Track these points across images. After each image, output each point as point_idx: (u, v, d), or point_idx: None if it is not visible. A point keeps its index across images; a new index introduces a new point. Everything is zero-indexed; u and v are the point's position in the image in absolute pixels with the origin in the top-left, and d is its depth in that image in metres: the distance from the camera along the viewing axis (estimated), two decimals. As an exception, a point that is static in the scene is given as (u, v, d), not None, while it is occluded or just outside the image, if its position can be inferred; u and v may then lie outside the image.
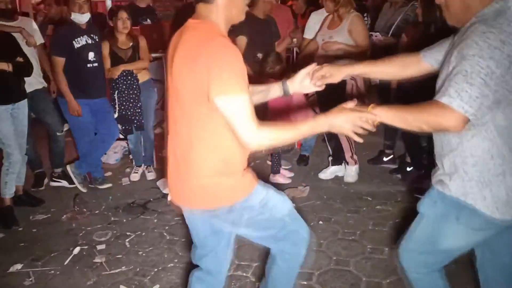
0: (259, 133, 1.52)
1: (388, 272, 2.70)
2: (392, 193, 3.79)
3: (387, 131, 4.54)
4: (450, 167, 1.65)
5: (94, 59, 3.74)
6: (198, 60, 1.51)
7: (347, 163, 4.07)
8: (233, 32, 4.24)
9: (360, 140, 1.59)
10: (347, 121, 1.56)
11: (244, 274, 2.73)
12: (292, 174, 4.20)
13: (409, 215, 3.37)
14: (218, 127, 1.58)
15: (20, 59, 3.34)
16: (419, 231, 1.81)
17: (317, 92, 4.00)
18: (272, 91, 1.93)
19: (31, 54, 3.70)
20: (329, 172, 4.18)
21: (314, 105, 4.14)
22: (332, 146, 4.19)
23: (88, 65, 3.72)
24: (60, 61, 3.65)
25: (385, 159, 4.42)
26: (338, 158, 4.14)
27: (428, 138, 3.78)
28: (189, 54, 1.56)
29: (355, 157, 4.05)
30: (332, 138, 4.15)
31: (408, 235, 1.87)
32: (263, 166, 4.46)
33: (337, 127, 1.58)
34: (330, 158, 4.25)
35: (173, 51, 1.65)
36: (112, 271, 2.81)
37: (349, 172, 4.07)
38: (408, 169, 4.10)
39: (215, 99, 1.50)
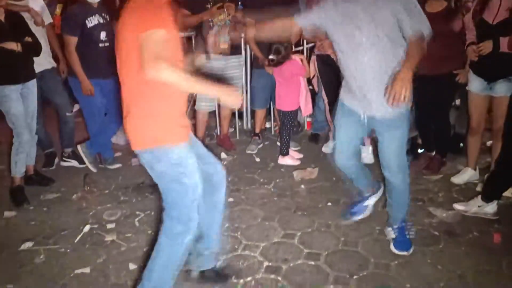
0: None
1: (396, 254, 2.68)
2: (402, 175, 3.74)
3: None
4: None
5: (106, 38, 3.71)
6: None
7: (363, 144, 4.04)
8: (244, 13, 4.20)
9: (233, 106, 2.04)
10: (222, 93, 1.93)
11: (252, 254, 2.74)
12: (301, 156, 4.18)
13: (419, 196, 3.39)
14: None
15: (28, 38, 3.33)
16: None
17: (323, 73, 4.02)
18: None
19: (40, 33, 3.69)
20: (332, 146, 4.22)
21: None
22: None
23: (100, 45, 3.70)
24: (73, 40, 3.62)
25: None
26: None
27: (439, 120, 3.75)
28: None
29: (368, 138, 4.03)
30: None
31: None
32: (273, 147, 4.45)
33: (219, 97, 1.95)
34: (331, 133, 4.27)
35: None
36: (122, 249, 2.84)
37: (366, 153, 4.03)
38: (419, 150, 4.05)
39: None
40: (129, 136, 2.03)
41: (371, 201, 3.00)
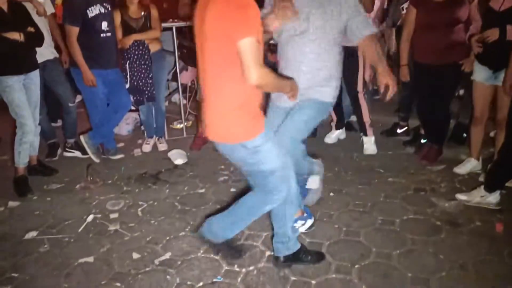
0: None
1: (398, 243, 2.69)
2: (405, 165, 3.75)
3: (401, 103, 4.47)
4: None
5: (108, 28, 3.70)
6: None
7: (366, 134, 4.03)
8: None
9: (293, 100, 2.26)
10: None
11: (254, 244, 2.76)
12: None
13: (422, 186, 3.39)
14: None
15: (31, 29, 3.32)
16: None
17: None
18: None
19: (42, 24, 3.69)
20: (334, 136, 4.33)
21: None
22: (337, 113, 4.26)
23: (102, 35, 3.69)
24: (74, 30, 3.60)
25: (399, 131, 4.36)
26: (341, 122, 4.33)
27: (440, 110, 3.73)
28: None
29: (371, 128, 4.03)
30: (336, 105, 4.18)
31: None
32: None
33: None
34: (333, 124, 4.33)
35: None
36: (125, 239, 2.86)
37: (369, 144, 4.03)
38: (422, 141, 4.05)
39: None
40: (212, 128, 2.11)
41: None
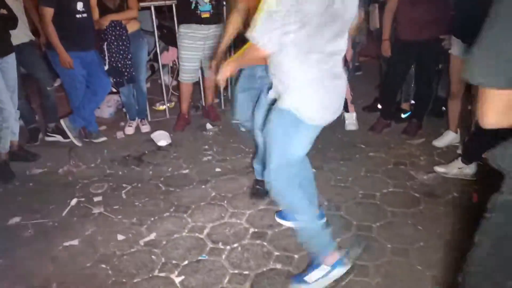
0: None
1: (378, 216, 2.76)
2: (386, 140, 3.81)
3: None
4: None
5: (83, 9, 3.62)
6: None
7: (347, 111, 4.07)
8: None
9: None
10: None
11: (238, 221, 2.80)
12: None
13: (401, 160, 3.44)
14: None
15: (3, 11, 3.24)
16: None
17: None
18: None
19: (17, 6, 3.60)
20: None
21: None
22: None
23: (77, 16, 3.61)
24: (49, 11, 3.52)
25: (379, 106, 4.40)
26: None
27: (422, 85, 3.77)
28: None
29: (352, 105, 4.07)
30: None
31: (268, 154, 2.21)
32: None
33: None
34: None
35: None
36: (109, 221, 2.87)
37: (350, 120, 4.07)
38: (403, 116, 4.10)
39: None
40: None
41: None
